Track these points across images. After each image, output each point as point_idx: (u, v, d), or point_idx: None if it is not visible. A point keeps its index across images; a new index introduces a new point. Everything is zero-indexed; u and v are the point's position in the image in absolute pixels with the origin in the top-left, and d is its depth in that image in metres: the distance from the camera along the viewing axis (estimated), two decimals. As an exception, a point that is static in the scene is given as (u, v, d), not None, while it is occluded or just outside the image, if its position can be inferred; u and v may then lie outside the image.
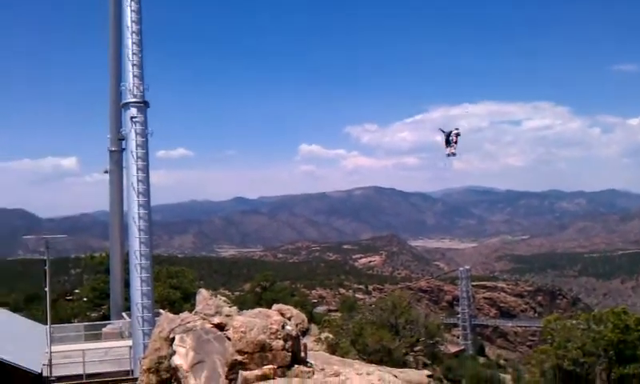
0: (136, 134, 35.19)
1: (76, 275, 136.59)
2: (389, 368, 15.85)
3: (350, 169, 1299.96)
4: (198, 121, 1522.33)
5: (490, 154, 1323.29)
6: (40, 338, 39.48)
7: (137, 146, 35.10)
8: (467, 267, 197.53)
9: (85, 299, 65.74)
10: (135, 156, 34.95)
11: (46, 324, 35.98)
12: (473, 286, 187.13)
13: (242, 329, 15.97)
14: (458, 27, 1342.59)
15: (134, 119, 35.25)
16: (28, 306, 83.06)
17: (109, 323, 47.11)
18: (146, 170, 35.31)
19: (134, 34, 36.12)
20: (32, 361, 32.72)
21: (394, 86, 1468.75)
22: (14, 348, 32.82)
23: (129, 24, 36.20)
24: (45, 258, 33.73)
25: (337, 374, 12.92)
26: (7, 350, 29.61)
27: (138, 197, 34.58)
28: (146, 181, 35.19)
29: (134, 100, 35.46)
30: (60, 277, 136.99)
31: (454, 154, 35.44)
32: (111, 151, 47.16)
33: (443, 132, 36.57)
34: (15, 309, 71.73)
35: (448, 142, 35.16)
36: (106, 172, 48.25)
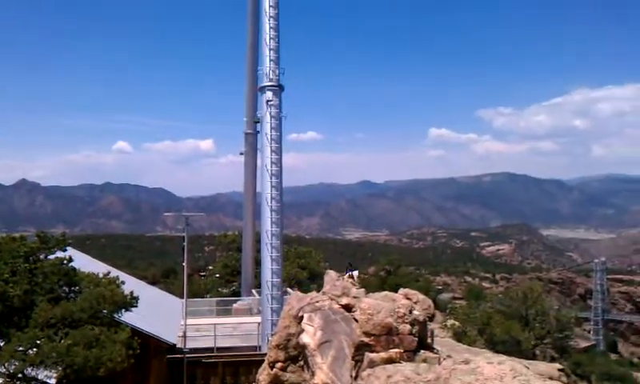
0: (271, 117, 36.12)
1: (210, 252, 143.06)
2: (519, 359, 15.38)
3: (481, 154, 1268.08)
4: (328, 104, 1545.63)
5: (634, 140, 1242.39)
6: (176, 311, 41.74)
7: (271, 128, 36.03)
8: (603, 259, 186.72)
9: (217, 276, 67.98)
10: (269, 138, 35.89)
11: (182, 298, 37.93)
12: (608, 279, 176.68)
13: (370, 311, 16.06)
14: (603, 5, 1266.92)
15: (269, 102, 36.19)
16: (164, 280, 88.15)
17: (239, 299, 48.92)
18: (279, 152, 36.16)
19: (271, 19, 36.95)
20: (168, 332, 34.63)
21: (531, 66, 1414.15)
22: (152, 319, 34.77)
23: (266, 9, 37.10)
24: (183, 234, 35.51)
25: (466, 362, 12.72)
26: (145, 321, 31.37)
27: (270, 178, 35.54)
28: (279, 163, 36.06)
29: (269, 84, 36.36)
30: (195, 253, 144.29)
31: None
32: (246, 134, 48.67)
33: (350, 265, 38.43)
34: (153, 282, 76.30)
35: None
36: (241, 154, 49.87)
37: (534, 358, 42.56)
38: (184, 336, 34.81)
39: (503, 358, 13.95)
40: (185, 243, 34.48)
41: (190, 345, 34.70)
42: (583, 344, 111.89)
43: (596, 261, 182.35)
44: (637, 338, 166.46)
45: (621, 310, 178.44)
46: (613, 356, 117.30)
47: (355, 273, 36.40)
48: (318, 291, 20.19)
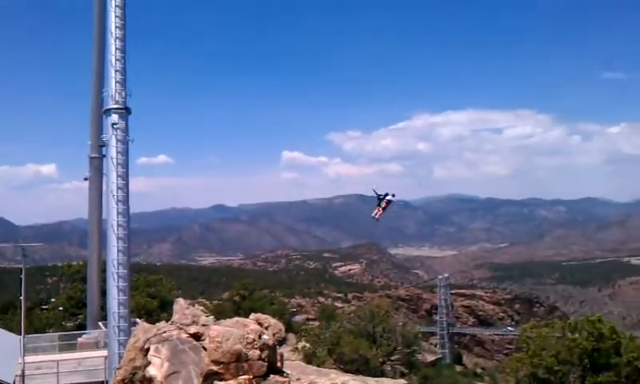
0: (117, 140, 34.82)
1: (52, 284, 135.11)
2: (365, 377, 15.98)
3: (332, 176, 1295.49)
4: (179, 127, 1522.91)
5: (471, 163, 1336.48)
6: (13, 349, 39.01)
7: (117, 152, 34.72)
8: (446, 275, 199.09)
9: (60, 308, 64.46)
10: (115, 163, 34.60)
11: (20, 334, 35.62)
12: (451, 294, 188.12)
13: (218, 338, 15.96)
14: (442, 33, 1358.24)
15: (115, 126, 34.89)
16: (2, 315, 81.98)
17: (84, 333, 46.64)
18: (125, 177, 34.98)
19: (117, 40, 35.80)
20: (4, 372, 32.29)
21: (378, 92, 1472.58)
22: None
23: (112, 29, 35.88)
24: (21, 266, 33.39)
25: (311, 384, 13.02)
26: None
27: (117, 204, 34.25)
28: (125, 188, 34.86)
29: (115, 106, 35.14)
30: (36, 286, 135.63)
31: (377, 219, 35.69)
32: (91, 158, 46.47)
33: (376, 194, 37.11)
34: (-11, 318, 70.80)
35: (380, 203, 35.03)
36: (85, 179, 47.69)
37: (382, 374, 44.26)
38: (22, 375, 32.52)
39: (347, 377, 14.42)
40: (22, 275, 32.37)
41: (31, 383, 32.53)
42: (430, 358, 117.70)
43: (440, 277, 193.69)
44: (480, 350, 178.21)
45: (464, 323, 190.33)
46: (458, 367, 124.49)
47: (390, 197, 33.97)
48: (169, 320, 19.78)
